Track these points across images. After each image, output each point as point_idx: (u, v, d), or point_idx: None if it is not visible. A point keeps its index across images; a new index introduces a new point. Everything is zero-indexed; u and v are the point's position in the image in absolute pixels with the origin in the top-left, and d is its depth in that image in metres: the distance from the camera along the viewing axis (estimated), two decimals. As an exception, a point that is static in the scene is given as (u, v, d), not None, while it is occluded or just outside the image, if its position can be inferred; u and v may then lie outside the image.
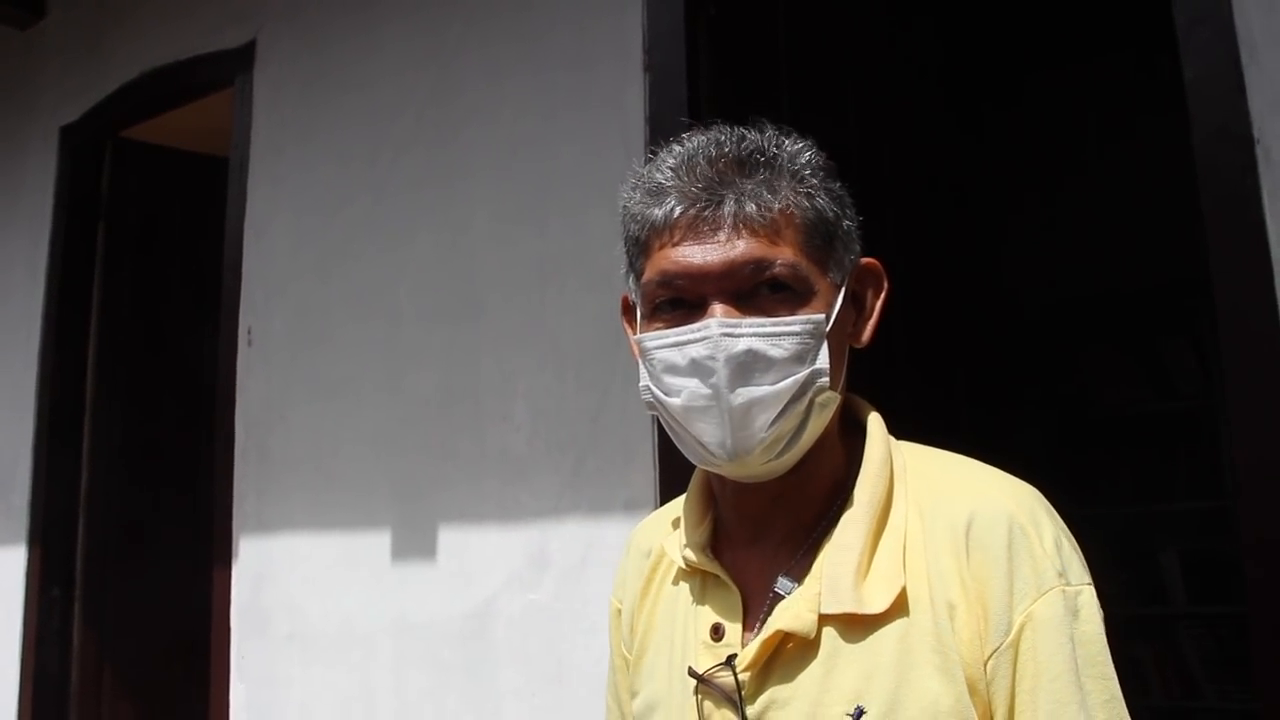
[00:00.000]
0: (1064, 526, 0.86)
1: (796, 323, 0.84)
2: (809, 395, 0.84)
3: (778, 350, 0.83)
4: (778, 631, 0.84)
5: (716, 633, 0.89)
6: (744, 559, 0.92)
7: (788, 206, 0.85)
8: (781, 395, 0.83)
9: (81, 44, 3.51)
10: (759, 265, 0.83)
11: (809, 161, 0.88)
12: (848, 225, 0.90)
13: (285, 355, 2.69)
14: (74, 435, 3.37)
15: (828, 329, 0.85)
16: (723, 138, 0.88)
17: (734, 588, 0.90)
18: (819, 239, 0.86)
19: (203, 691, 2.71)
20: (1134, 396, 3.64)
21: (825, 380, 0.85)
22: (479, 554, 2.20)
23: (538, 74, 2.30)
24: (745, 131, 0.89)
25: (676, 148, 0.89)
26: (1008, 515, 0.82)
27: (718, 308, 0.83)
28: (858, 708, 0.80)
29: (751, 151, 0.86)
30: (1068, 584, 0.81)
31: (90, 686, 3.27)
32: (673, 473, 1.87)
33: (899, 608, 0.82)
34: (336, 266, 2.61)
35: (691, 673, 0.88)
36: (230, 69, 3.01)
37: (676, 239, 0.85)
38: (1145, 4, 2.81)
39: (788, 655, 0.84)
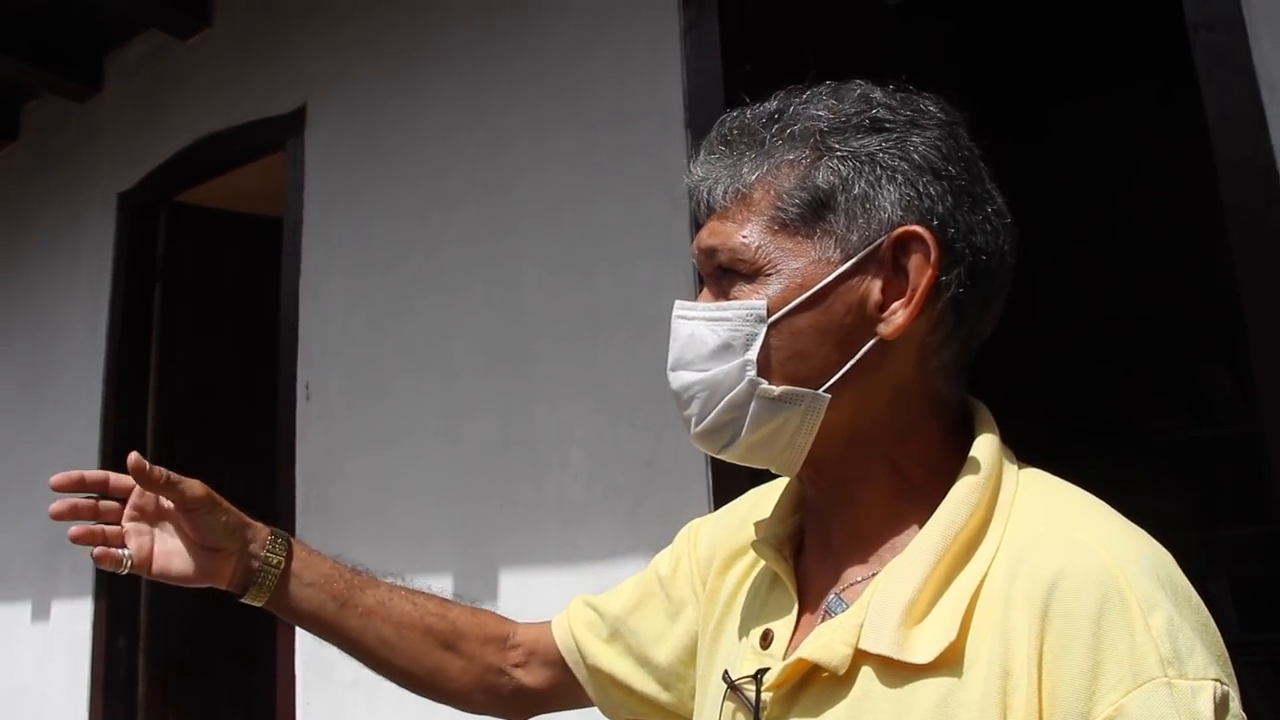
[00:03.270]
0: (1195, 604, 0.68)
1: (730, 309, 0.77)
2: (740, 388, 0.76)
3: (714, 338, 0.77)
4: (803, 660, 0.75)
5: (765, 639, 0.81)
6: (816, 564, 0.84)
7: (760, 181, 0.77)
8: (705, 384, 0.78)
9: (137, 113, 3.66)
10: (708, 253, 0.79)
11: (827, 118, 0.77)
12: (864, 189, 0.75)
13: (343, 409, 2.78)
14: (135, 490, 3.47)
15: (776, 315, 0.75)
16: (730, 117, 0.82)
17: (793, 595, 0.82)
18: (799, 211, 0.76)
19: (269, 739, 2.78)
20: (1174, 424, 3.66)
21: (753, 374, 0.75)
22: (540, 597, 2.26)
23: (582, 130, 2.39)
24: (765, 103, 0.81)
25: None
26: (1105, 577, 0.65)
27: (704, 291, 0.82)
28: None
29: (745, 126, 0.80)
30: (1180, 675, 0.62)
31: (156, 736, 3.35)
32: (728, 513, 1.93)
33: (948, 663, 0.68)
34: (391, 321, 2.71)
35: (725, 676, 0.81)
36: (281, 133, 3.14)
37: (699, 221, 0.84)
38: (1165, 36, 2.88)
39: (820, 684, 0.74)
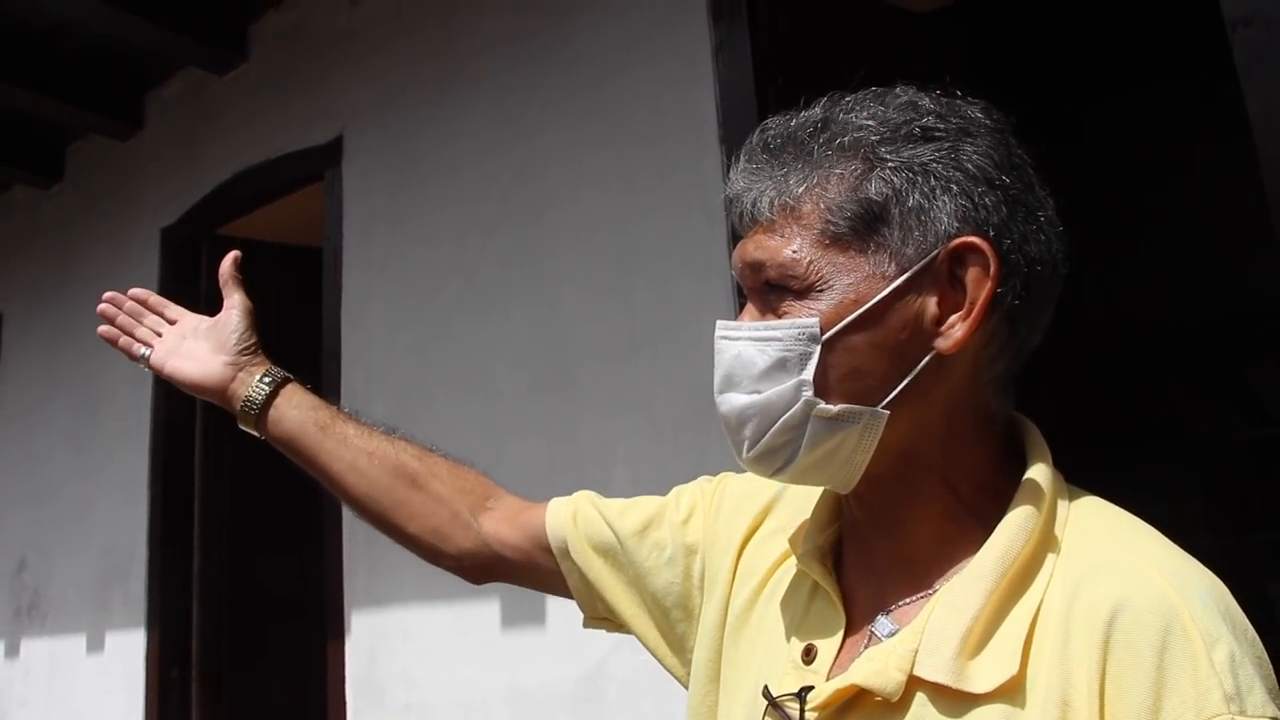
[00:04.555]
0: (1252, 638, 0.68)
1: (780, 327, 0.75)
2: (797, 408, 0.74)
3: (764, 358, 0.75)
4: (854, 685, 0.73)
5: (808, 654, 0.79)
6: (858, 580, 0.82)
7: (809, 193, 0.75)
8: (757, 406, 0.76)
9: (177, 150, 3.73)
10: (754, 267, 0.77)
11: (876, 128, 0.75)
12: (919, 201, 0.73)
13: (387, 434, 2.80)
14: (185, 521, 3.52)
15: (830, 332, 0.73)
16: (773, 124, 0.80)
17: (840, 609, 0.80)
18: (850, 224, 0.74)
19: (323, 765, 2.80)
20: (1226, 425, 3.59)
21: (810, 394, 0.74)
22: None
23: (617, 151, 2.40)
24: (808, 110, 0.80)
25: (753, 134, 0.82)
26: (1168, 609, 0.65)
27: (748, 307, 0.80)
28: None
29: (790, 135, 0.78)
30: (1241, 712, 0.62)
31: (211, 764, 3.38)
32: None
33: (1007, 693, 0.68)
34: (433, 346, 2.73)
35: (766, 693, 0.79)
36: (319, 164, 3.18)
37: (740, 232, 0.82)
38: (1201, 34, 2.84)
39: (869, 708, 0.73)
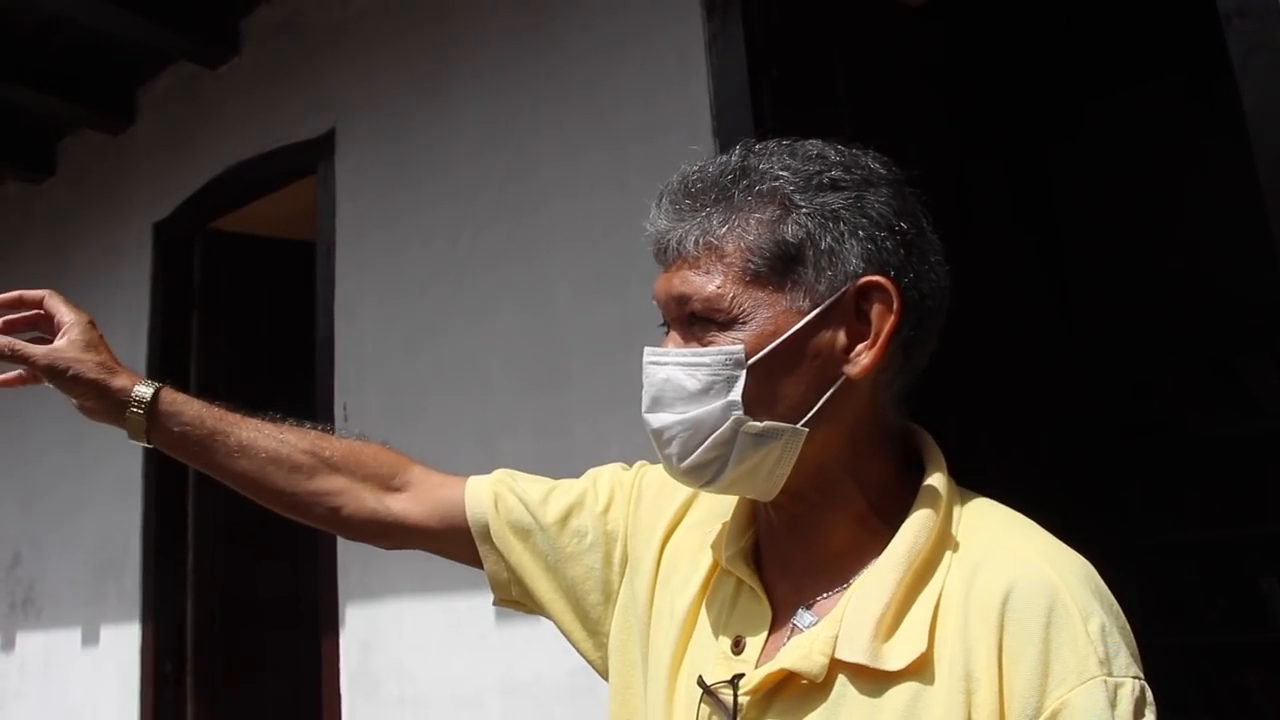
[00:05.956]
0: (1116, 611, 0.78)
1: (708, 354, 0.83)
2: (726, 426, 0.83)
3: (693, 381, 0.83)
4: (783, 669, 0.82)
5: (737, 646, 0.88)
6: (777, 578, 0.91)
7: (731, 234, 0.83)
8: (687, 424, 0.84)
9: (169, 144, 3.71)
10: (680, 300, 0.85)
11: (790, 178, 0.84)
12: (830, 244, 0.83)
13: (381, 429, 2.78)
14: (178, 517, 3.51)
15: (754, 359, 0.82)
16: (692, 169, 0.88)
17: (766, 605, 0.89)
18: (768, 264, 0.83)
19: (317, 759, 2.80)
20: (1219, 419, 3.60)
21: (739, 413, 0.82)
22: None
23: (610, 146, 2.39)
24: (725, 157, 0.88)
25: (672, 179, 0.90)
26: (1050, 589, 0.76)
27: (671, 334, 0.87)
28: None
29: (711, 180, 0.85)
30: (1109, 674, 0.73)
31: (206, 759, 3.38)
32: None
33: (916, 670, 0.77)
34: (426, 342, 2.72)
35: (700, 682, 0.86)
36: (312, 158, 3.17)
37: (660, 265, 0.90)
38: (1193, 28, 2.85)
39: (795, 690, 0.82)
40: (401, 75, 2.93)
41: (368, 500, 1.09)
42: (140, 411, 1.07)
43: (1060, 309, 3.56)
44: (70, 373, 1.07)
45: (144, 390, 1.08)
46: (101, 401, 1.08)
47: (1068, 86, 3.81)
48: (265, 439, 1.11)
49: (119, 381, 1.08)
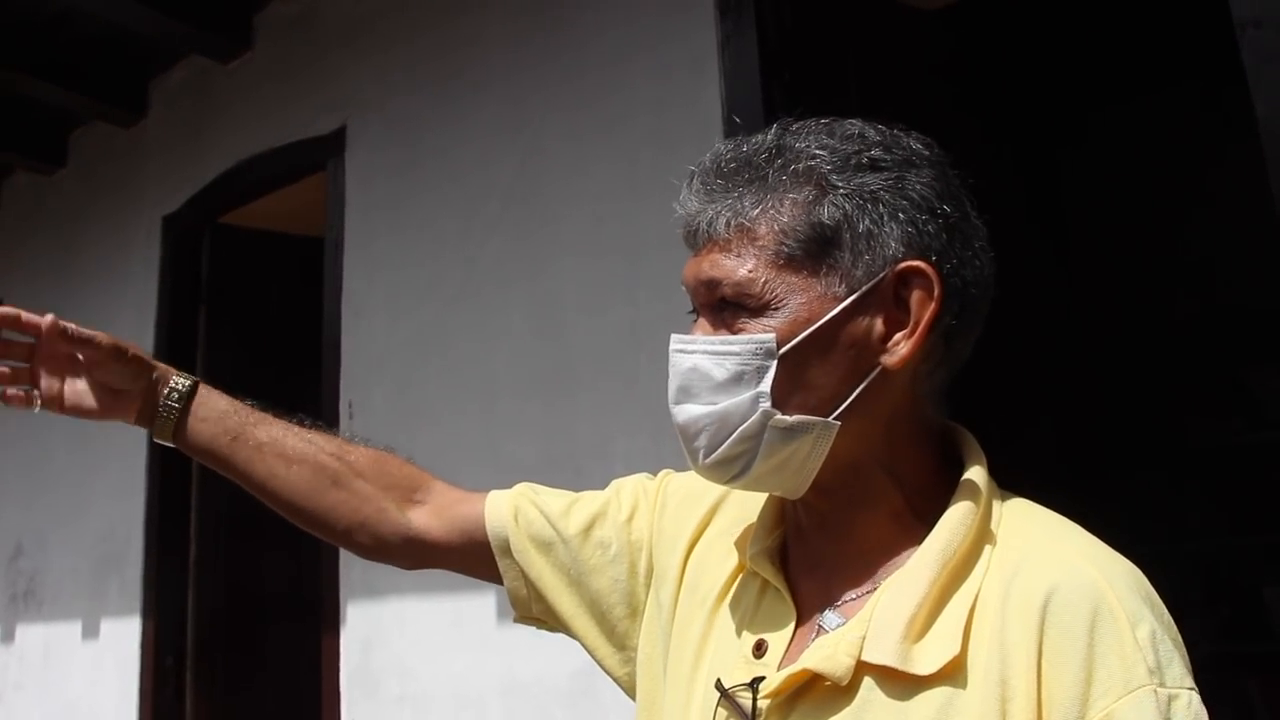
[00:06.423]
0: (1168, 620, 0.74)
1: (737, 342, 0.79)
2: (754, 419, 0.78)
3: (720, 371, 0.79)
4: (806, 670, 0.77)
5: (759, 649, 0.83)
6: (804, 578, 0.86)
7: (764, 215, 0.79)
8: (714, 416, 0.79)
9: (181, 138, 3.72)
10: (710, 285, 0.81)
11: (828, 158, 0.80)
12: (869, 226, 0.78)
13: (386, 427, 2.79)
14: (182, 510, 3.51)
15: (785, 348, 0.78)
16: (725, 149, 0.83)
17: (791, 605, 0.84)
18: (803, 247, 0.78)
19: (317, 755, 2.80)
20: (1225, 428, 3.59)
21: (768, 405, 0.78)
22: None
23: (621, 148, 2.39)
24: (760, 135, 0.83)
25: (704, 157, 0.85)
26: (1096, 594, 0.71)
27: (700, 321, 0.83)
28: None
29: (745, 159, 0.81)
30: (1161, 684, 0.68)
31: (205, 753, 3.38)
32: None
33: (949, 675, 0.72)
34: (433, 339, 2.72)
35: (718, 685, 0.82)
36: (322, 155, 3.17)
37: (689, 250, 0.86)
38: (1204, 37, 2.84)
39: (819, 694, 0.77)
40: (412, 75, 2.93)
41: (390, 512, 1.06)
42: (176, 404, 1.07)
43: (1067, 314, 3.55)
44: (131, 351, 1.06)
45: (182, 380, 1.08)
46: (139, 383, 1.06)
47: (1079, 93, 3.80)
48: (292, 437, 1.08)
49: (159, 370, 1.08)
